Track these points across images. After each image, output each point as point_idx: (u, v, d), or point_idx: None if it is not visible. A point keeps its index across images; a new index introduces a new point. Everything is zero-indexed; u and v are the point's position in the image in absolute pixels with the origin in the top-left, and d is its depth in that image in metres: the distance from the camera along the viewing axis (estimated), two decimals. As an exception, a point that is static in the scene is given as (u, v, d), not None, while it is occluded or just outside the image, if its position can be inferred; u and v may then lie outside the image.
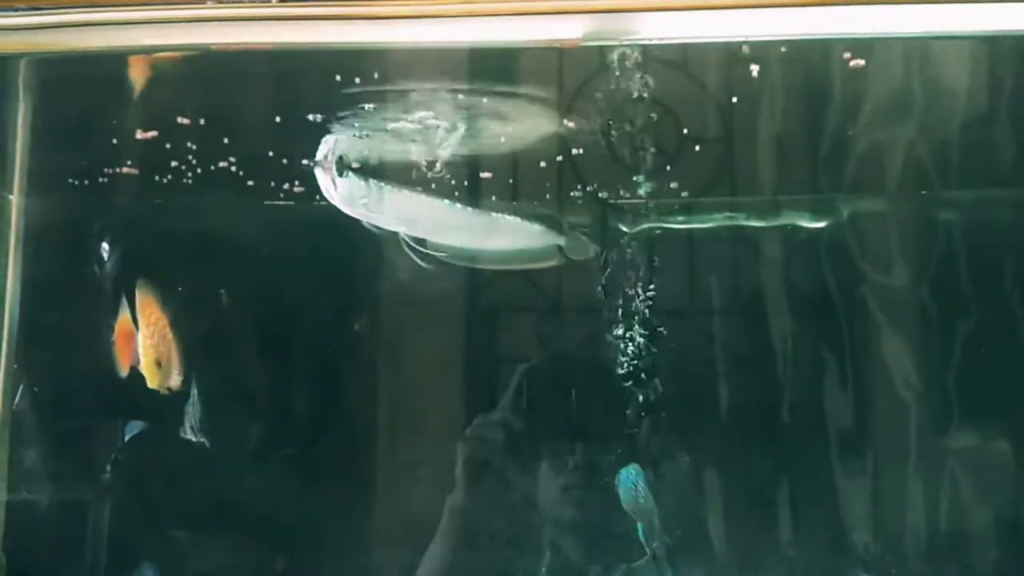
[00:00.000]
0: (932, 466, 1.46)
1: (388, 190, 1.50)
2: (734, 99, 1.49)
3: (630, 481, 1.43)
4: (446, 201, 1.51)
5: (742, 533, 1.48)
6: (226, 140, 1.53)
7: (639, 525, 1.43)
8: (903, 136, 1.50)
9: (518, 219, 1.54)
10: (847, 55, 1.41)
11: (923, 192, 1.52)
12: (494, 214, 1.54)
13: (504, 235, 1.55)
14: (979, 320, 1.46)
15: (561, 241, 1.54)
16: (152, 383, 1.47)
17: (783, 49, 1.40)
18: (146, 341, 1.47)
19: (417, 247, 1.50)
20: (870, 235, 1.51)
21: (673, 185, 1.51)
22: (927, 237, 1.51)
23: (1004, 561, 1.43)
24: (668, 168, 1.51)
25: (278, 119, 1.51)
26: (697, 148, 1.51)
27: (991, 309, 1.46)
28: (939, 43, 1.45)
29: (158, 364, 1.46)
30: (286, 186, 1.55)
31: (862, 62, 1.41)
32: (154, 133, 1.53)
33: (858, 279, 1.50)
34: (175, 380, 1.48)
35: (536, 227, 1.54)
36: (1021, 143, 1.48)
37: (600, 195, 1.53)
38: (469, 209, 1.53)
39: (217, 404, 1.54)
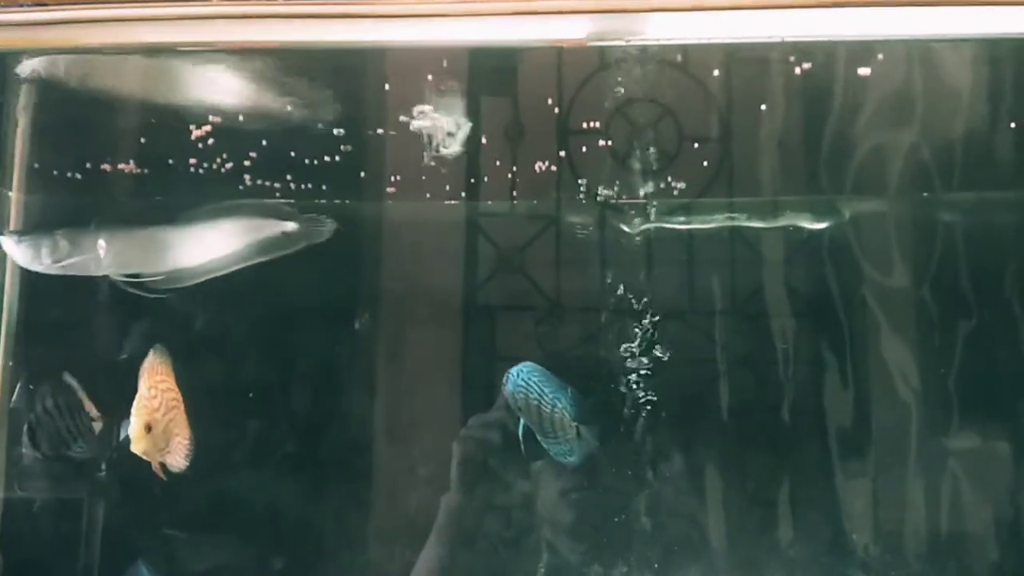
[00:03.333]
0: (932, 467, 1.46)
1: (80, 237, 1.44)
2: (735, 100, 1.50)
3: (520, 379, 1.39)
4: (149, 228, 1.46)
5: (742, 534, 1.48)
6: (228, 138, 1.53)
7: (521, 422, 1.41)
8: (904, 138, 1.51)
9: (231, 221, 1.49)
10: (853, 58, 1.43)
11: (924, 194, 1.53)
12: (203, 224, 1.48)
13: (225, 240, 1.49)
14: (979, 321, 1.46)
15: (288, 227, 1.50)
16: (136, 447, 1.34)
17: (787, 52, 1.42)
18: (142, 401, 1.35)
19: (133, 282, 1.45)
20: (870, 236, 1.52)
21: (674, 185, 1.52)
22: (927, 239, 1.51)
23: (1004, 562, 1.43)
24: (668, 168, 1.52)
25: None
26: (697, 147, 1.52)
27: (991, 310, 1.47)
28: (940, 46, 1.46)
29: (147, 428, 1.34)
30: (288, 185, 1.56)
31: (868, 70, 1.43)
32: (207, 128, 1.51)
33: (859, 280, 1.51)
34: (175, 460, 1.38)
35: (257, 221, 1.50)
36: (1021, 145, 1.49)
37: (601, 195, 1.53)
38: (176, 229, 1.48)
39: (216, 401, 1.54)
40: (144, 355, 1.41)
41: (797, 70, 1.45)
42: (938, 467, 1.45)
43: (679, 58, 1.49)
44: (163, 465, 1.37)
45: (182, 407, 1.39)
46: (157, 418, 1.35)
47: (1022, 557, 1.43)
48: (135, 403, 1.36)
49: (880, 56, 1.45)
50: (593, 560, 1.45)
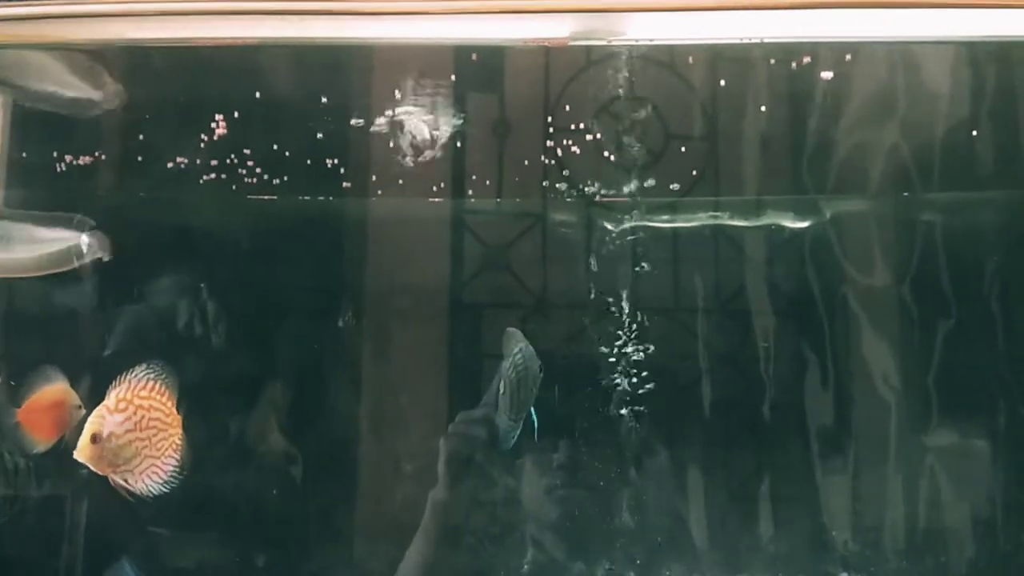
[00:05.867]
0: (911, 464, 1.48)
1: None
2: (719, 99, 1.51)
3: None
4: None
5: (723, 531, 1.49)
6: (209, 134, 1.52)
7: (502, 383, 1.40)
8: (885, 138, 1.52)
9: (28, 226, 1.44)
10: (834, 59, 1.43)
11: (905, 193, 1.54)
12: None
13: (19, 244, 1.45)
14: (959, 319, 1.48)
15: (80, 241, 1.45)
16: (77, 454, 1.22)
17: (770, 52, 1.42)
18: (100, 411, 1.24)
19: None
20: (852, 235, 1.53)
21: (658, 184, 1.52)
22: (908, 238, 1.53)
23: (980, 557, 1.46)
24: (653, 167, 1.52)
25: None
26: (682, 145, 1.53)
27: (970, 309, 1.49)
28: (921, 47, 1.47)
29: (94, 439, 1.22)
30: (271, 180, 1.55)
31: (830, 74, 1.44)
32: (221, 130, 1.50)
33: (840, 279, 1.52)
34: (141, 483, 1.26)
35: (50, 232, 1.45)
36: (999, 146, 1.50)
37: (586, 193, 1.54)
38: None
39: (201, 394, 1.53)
40: (127, 348, 1.39)
41: (779, 70, 1.45)
42: (918, 463, 1.47)
43: (664, 57, 1.49)
44: (126, 486, 1.27)
45: (172, 431, 1.29)
46: (116, 432, 1.24)
47: (998, 551, 1.45)
48: (96, 410, 1.25)
49: (862, 57, 1.45)
50: (577, 556, 1.46)
